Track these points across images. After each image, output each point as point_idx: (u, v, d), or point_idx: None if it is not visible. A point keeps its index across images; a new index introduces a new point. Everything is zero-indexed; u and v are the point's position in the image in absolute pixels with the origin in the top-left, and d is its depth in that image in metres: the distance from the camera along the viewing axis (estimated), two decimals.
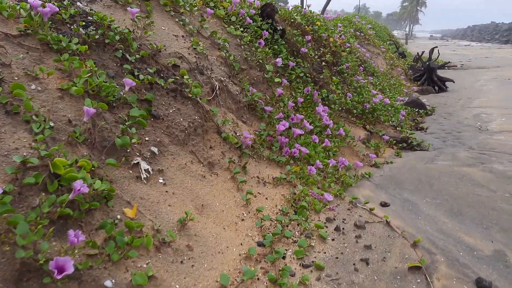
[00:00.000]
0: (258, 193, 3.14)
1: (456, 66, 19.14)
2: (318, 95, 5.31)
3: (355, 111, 5.79)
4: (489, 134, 6.30)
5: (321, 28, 6.46)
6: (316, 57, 5.80)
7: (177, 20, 3.89)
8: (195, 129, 3.08)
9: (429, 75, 11.75)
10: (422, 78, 11.92)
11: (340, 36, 8.02)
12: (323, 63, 5.91)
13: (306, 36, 5.77)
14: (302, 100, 4.73)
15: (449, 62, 18.82)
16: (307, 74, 5.47)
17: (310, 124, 4.59)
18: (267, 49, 4.86)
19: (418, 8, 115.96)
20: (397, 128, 6.16)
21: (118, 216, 2.08)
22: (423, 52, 14.53)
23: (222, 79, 3.79)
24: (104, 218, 2.02)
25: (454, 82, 11.87)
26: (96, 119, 2.37)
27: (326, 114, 4.99)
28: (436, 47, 14.88)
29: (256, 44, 4.72)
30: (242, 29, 4.75)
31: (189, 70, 3.43)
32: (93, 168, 2.12)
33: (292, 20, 5.99)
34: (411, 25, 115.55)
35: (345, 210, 3.32)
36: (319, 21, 6.52)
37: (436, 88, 11.67)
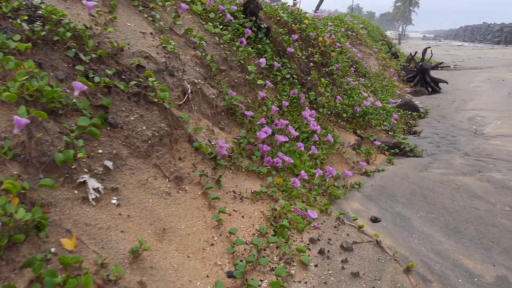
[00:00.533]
0: (234, 210, 2.79)
1: (449, 66, 18.97)
2: (305, 98, 4.99)
3: (345, 115, 5.48)
4: (485, 139, 6.02)
5: (309, 26, 6.14)
6: (303, 57, 5.48)
7: (146, 15, 3.54)
8: (161, 138, 2.73)
9: (422, 76, 11.50)
10: (415, 79, 11.67)
11: (330, 35, 7.71)
12: (311, 64, 5.58)
13: (293, 35, 5.44)
14: (287, 103, 4.40)
15: (442, 62, 18.65)
16: (294, 76, 5.15)
17: (295, 130, 4.26)
18: (249, 48, 4.52)
19: (411, 8, 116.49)
20: (389, 133, 5.86)
21: (53, 249, 1.73)
22: (416, 53, 14.30)
23: (196, 81, 3.44)
24: (34, 253, 1.67)
25: (447, 83, 11.64)
26: (34, 130, 2.01)
27: (314, 119, 4.66)
28: (429, 47, 14.66)
29: (238, 43, 4.38)
30: (221, 26, 4.41)
31: (157, 71, 3.07)
32: (23, 191, 1.77)
33: (278, 18, 5.66)
34: (404, 25, 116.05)
35: (331, 227, 2.99)
36: (307, 19, 6.19)
37: (429, 89, 11.42)
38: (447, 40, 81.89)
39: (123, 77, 2.81)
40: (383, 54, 12.21)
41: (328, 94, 5.44)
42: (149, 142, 2.64)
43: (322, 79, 5.57)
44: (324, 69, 6.03)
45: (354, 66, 8.19)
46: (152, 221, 2.28)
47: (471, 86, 12.37)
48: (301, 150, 3.87)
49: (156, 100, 2.81)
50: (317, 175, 3.71)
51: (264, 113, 4.08)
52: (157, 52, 3.23)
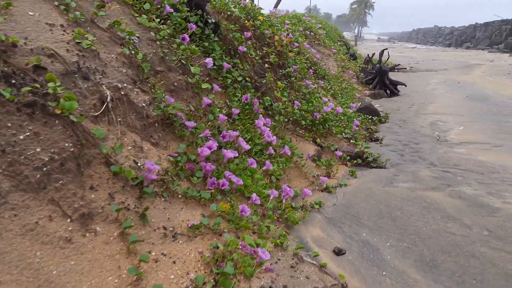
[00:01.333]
0: (163, 254, 2.19)
1: (406, 68, 19.22)
2: (260, 103, 4.45)
3: (303, 122, 4.99)
4: (449, 147, 5.76)
5: (264, 24, 5.61)
6: (257, 57, 4.94)
7: (56, 3, 2.84)
8: (63, 163, 2.08)
9: (381, 78, 11.35)
10: (374, 81, 11.50)
11: (288, 34, 7.24)
12: (266, 65, 5.05)
13: (245, 33, 4.88)
14: (237, 111, 3.83)
15: (399, 64, 18.84)
16: (247, 78, 4.60)
17: (247, 142, 3.71)
18: (194, 46, 3.91)
19: (366, 10, 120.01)
20: (351, 141, 5.44)
21: None
22: (373, 54, 14.22)
23: (121, 85, 2.80)
24: None
25: (406, 86, 11.56)
26: None
27: (269, 128, 4.13)
28: (386, 49, 14.64)
29: (179, 40, 3.76)
30: (159, 20, 3.77)
31: (65, 73, 2.41)
32: None
33: (229, 13, 5.08)
34: (360, 27, 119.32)
35: (288, 268, 2.46)
36: (261, 16, 5.66)
37: (388, 92, 11.29)
38: (401, 42, 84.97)
39: (13, 82, 2.13)
40: (342, 55, 11.96)
41: (285, 99, 4.94)
42: (45, 169, 1.98)
43: (279, 82, 5.06)
44: (280, 71, 5.53)
45: (313, 68, 7.78)
46: (37, 286, 1.63)
47: (429, 89, 12.40)
48: (253, 167, 3.31)
49: (58, 111, 2.15)
50: (271, 197, 3.17)
51: (209, 123, 3.49)
52: (67, 49, 2.55)
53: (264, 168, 3.56)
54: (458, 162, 5.00)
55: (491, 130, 6.62)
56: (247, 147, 3.47)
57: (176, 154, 2.93)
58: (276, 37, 5.81)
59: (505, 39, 39.73)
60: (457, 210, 3.51)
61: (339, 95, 8.13)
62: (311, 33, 11.04)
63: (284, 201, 3.28)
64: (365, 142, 6.06)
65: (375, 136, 6.42)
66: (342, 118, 5.79)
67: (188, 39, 3.83)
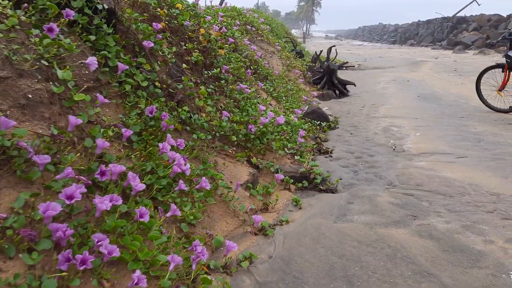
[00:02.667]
0: None
1: (354, 66, 18.89)
2: (173, 117, 3.40)
3: (235, 138, 3.99)
4: (408, 159, 5.01)
5: (185, 13, 4.54)
6: (171, 55, 3.87)
7: None
8: None
9: (329, 77, 10.65)
10: (321, 81, 10.78)
11: (221, 28, 6.21)
12: (185, 66, 3.99)
13: (155, 24, 3.79)
14: (129, 133, 2.75)
15: (347, 62, 18.48)
16: (157, 83, 3.52)
17: (146, 176, 2.65)
18: (67, 40, 2.78)
19: (314, 8, 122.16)
20: (296, 157, 4.52)
21: None
22: (321, 52, 13.58)
23: None
24: None
25: (355, 86, 10.94)
26: None
27: (182, 153, 3.09)
28: (334, 46, 14.06)
29: (44, 32, 2.62)
30: (11, 3, 2.60)
31: None
32: None
33: None
34: (308, 24, 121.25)
35: None
36: (181, 4, 4.58)
37: (337, 92, 10.60)
38: (348, 39, 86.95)
39: None
40: (287, 53, 11.12)
41: (210, 109, 3.90)
42: None
43: (202, 87, 4.01)
44: (206, 72, 4.48)
45: (252, 68, 6.82)
46: None
47: (379, 88, 11.89)
48: (144, 221, 2.25)
49: None
50: (172, 266, 2.13)
51: (79, 154, 2.38)
52: None
53: (169, 214, 2.51)
54: (420, 180, 4.23)
55: (451, 136, 5.98)
56: (140, 187, 2.40)
57: (5, 215, 1.81)
58: (202, 31, 4.77)
59: (447, 36, 41.23)
60: (431, 260, 2.67)
61: (284, 98, 7.24)
62: (253, 28, 10.10)
63: (194, 266, 2.25)
64: (313, 155, 5.18)
65: (324, 148, 5.55)
66: (285, 128, 4.86)
67: (57, 30, 2.68)
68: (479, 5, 51.89)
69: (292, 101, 7.54)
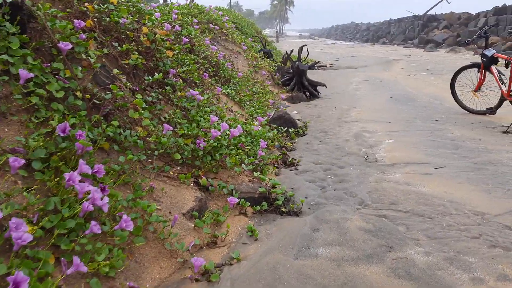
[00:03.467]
0: None
1: (326, 66, 18.55)
2: (98, 134, 2.78)
3: (179, 156, 3.40)
4: (381, 171, 4.53)
5: (121, 9, 3.91)
6: (95, 59, 3.24)
7: None
8: None
9: (299, 78, 10.17)
10: (291, 83, 10.28)
11: (174, 27, 5.60)
12: (116, 71, 3.36)
13: (77, 21, 3.16)
14: (20, 163, 2.12)
15: (319, 61, 18.11)
16: (78, 93, 2.90)
17: (41, 219, 2.04)
18: None
19: (287, 7, 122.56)
20: (255, 173, 3.97)
21: None
22: (291, 51, 13.10)
23: None
24: None
25: (326, 87, 10.50)
26: None
27: (99, 184, 2.48)
28: (305, 45, 13.63)
29: None
30: None
31: None
32: None
33: None
34: (282, 23, 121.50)
35: None
36: None
37: (308, 94, 10.13)
38: (321, 38, 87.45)
39: None
40: (254, 53, 10.58)
41: (147, 122, 3.30)
42: None
43: (139, 96, 3.40)
44: (147, 78, 3.87)
45: (210, 70, 6.23)
46: None
47: (351, 89, 11.51)
48: None
49: None
50: None
51: None
52: None
53: (71, 271, 1.91)
54: (395, 198, 3.75)
55: (426, 143, 5.56)
56: (26, 238, 1.79)
57: None
58: (144, 29, 4.15)
59: (418, 34, 41.69)
60: None
61: (248, 103, 6.69)
62: (216, 26, 9.51)
63: None
64: (277, 168, 4.65)
65: (289, 159, 5.02)
66: (244, 140, 4.30)
67: None
68: (449, 3, 52.88)
69: (257, 105, 7.00)
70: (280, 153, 5.18)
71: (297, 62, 11.12)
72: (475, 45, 24.86)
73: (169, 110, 3.89)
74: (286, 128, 6.34)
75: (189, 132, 3.67)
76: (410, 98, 9.52)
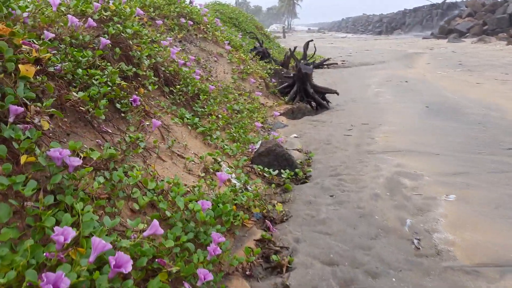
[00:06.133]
0: None
1: (337, 63, 16.23)
2: None
3: None
4: (453, 284, 2.29)
5: None
6: None
7: None
8: None
9: (302, 84, 7.92)
10: (291, 91, 8.03)
11: (86, 20, 3.41)
12: None
13: None
14: None
15: (329, 58, 15.83)
16: None
17: None
18: None
19: (295, 1, 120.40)
20: None
21: None
22: (295, 48, 10.82)
23: None
24: None
25: (338, 94, 8.23)
26: None
27: None
28: (311, 40, 11.40)
29: None
30: None
31: None
32: None
33: None
34: (290, 18, 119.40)
35: None
36: None
37: (314, 104, 7.89)
38: (331, 32, 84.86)
39: None
40: (242, 54, 8.32)
41: None
42: None
43: None
44: None
45: (160, 85, 4.03)
46: None
47: (370, 95, 9.21)
48: None
49: None
50: None
51: None
52: None
53: None
54: None
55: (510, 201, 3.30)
56: None
57: None
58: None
59: (437, 23, 38.98)
60: None
61: (217, 133, 4.48)
62: (190, 21, 7.32)
63: None
64: (247, 282, 2.45)
65: (274, 257, 2.78)
66: (170, 245, 2.09)
67: None
68: None
69: (236, 132, 4.80)
70: (259, 237, 2.97)
71: (302, 61, 8.89)
72: (506, 34, 22.30)
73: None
74: (276, 172, 4.14)
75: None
76: (454, 108, 7.20)
